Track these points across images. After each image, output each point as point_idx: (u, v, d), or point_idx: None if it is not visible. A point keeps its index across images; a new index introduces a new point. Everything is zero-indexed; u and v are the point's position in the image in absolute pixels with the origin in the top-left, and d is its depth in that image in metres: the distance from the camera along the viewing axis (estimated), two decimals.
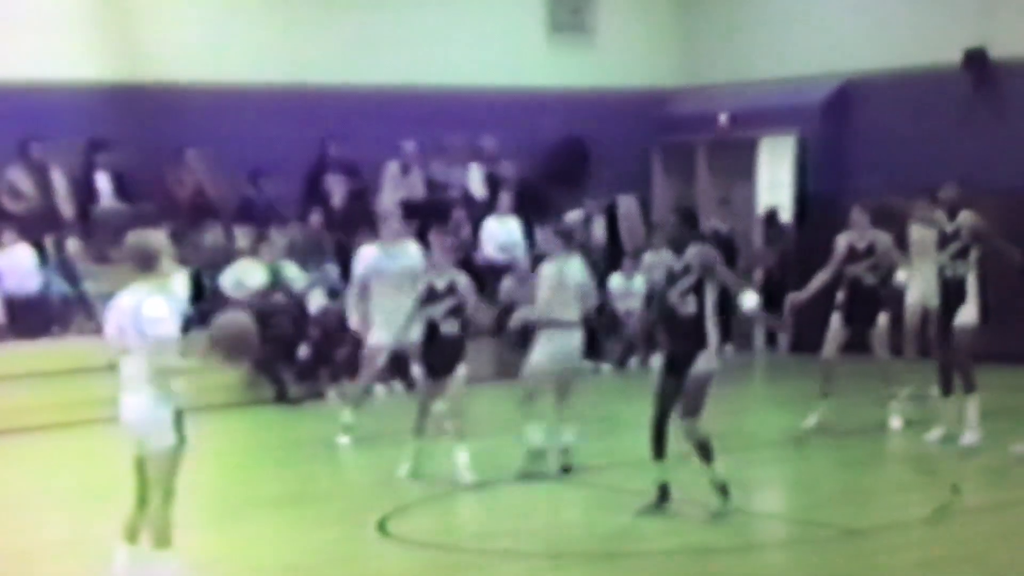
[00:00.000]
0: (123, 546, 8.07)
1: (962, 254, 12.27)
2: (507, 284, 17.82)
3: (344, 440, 13.14)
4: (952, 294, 12.33)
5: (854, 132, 19.09)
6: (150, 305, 7.87)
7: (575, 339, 11.57)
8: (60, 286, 15.85)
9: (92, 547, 8.99)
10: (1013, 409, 13.87)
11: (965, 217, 12.30)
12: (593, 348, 17.77)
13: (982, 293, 12.30)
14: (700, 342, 9.88)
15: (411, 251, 13.37)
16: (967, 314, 12.25)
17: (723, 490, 10.06)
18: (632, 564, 9.24)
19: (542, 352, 11.49)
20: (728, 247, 18.07)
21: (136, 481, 7.99)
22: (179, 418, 7.93)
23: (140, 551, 8.04)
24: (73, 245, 16.12)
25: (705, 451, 10.00)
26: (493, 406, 14.04)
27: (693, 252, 9.93)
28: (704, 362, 9.88)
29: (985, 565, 9.06)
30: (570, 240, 12.00)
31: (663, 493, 10.16)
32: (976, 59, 17.65)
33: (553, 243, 12.05)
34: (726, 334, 9.75)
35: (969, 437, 12.32)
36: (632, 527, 10.02)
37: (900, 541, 9.56)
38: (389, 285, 12.91)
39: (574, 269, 11.65)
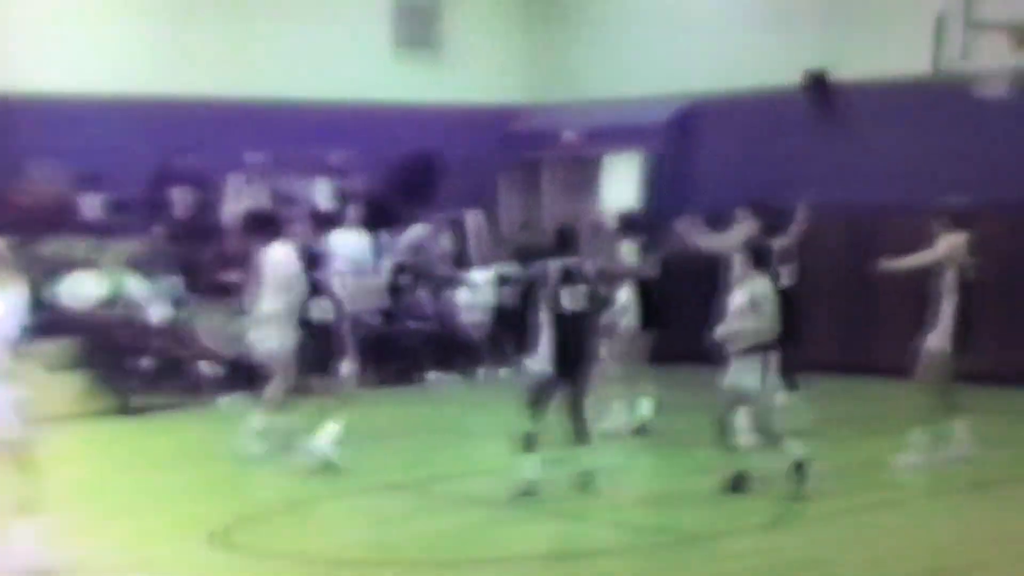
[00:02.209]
0: (24, 520, 8.59)
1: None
2: None
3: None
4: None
5: (698, 151, 19.38)
6: None
7: None
8: None
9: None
10: (855, 418, 14.36)
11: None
12: (443, 360, 17.93)
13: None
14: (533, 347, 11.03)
15: None
16: None
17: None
18: (485, 571, 9.30)
19: None
20: None
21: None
22: None
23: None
24: None
25: (526, 444, 10.75)
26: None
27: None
28: (529, 363, 11.14)
29: (827, 570, 9.23)
30: None
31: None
32: (816, 81, 18.06)
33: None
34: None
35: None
36: (483, 534, 10.11)
37: (741, 547, 9.71)
38: None
39: None
